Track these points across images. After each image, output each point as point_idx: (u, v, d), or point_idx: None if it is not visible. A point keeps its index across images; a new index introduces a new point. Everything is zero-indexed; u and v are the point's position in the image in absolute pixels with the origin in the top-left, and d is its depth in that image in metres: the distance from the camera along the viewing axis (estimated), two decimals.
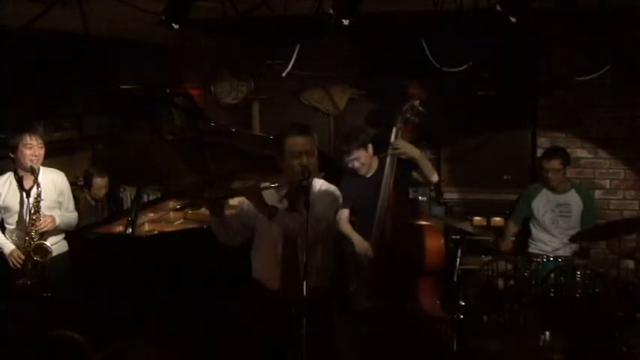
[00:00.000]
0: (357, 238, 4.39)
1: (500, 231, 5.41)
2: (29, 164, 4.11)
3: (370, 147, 4.46)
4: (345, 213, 4.45)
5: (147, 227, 4.98)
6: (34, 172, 4.10)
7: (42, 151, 4.18)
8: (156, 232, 4.85)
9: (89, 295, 4.31)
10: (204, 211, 4.15)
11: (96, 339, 2.91)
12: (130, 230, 4.47)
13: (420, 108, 4.33)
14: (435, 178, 4.52)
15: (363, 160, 4.42)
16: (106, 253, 4.44)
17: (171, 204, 5.48)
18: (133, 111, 6.01)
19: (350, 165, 4.45)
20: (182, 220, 5.20)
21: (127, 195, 6.19)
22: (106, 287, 4.29)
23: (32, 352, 2.92)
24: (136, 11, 3.61)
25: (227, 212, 3.41)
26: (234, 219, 3.42)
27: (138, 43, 5.92)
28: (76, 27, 3.68)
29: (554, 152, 5.02)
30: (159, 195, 5.75)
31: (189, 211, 5.15)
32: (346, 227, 4.47)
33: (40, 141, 4.17)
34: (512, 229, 5.16)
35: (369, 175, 4.49)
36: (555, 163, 4.89)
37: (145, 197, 5.63)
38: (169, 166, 5.33)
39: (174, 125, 5.27)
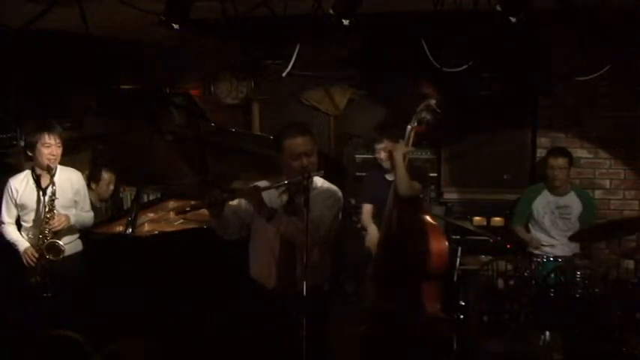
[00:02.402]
0: (371, 231, 4.47)
1: (499, 230, 5.42)
2: (46, 163, 4.13)
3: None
4: (367, 207, 4.64)
5: (147, 227, 4.98)
6: (51, 171, 4.12)
7: (60, 151, 4.20)
8: (156, 232, 4.84)
9: (89, 294, 4.31)
10: (204, 211, 4.14)
11: (96, 339, 2.92)
12: (130, 230, 4.48)
13: (435, 108, 4.30)
14: (403, 191, 4.30)
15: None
16: (106, 253, 4.44)
17: (172, 204, 5.48)
18: (133, 111, 6.00)
19: (377, 155, 4.57)
20: (182, 220, 5.19)
21: (127, 195, 6.18)
22: (105, 287, 4.29)
23: (32, 352, 2.92)
24: (136, 11, 3.61)
25: (225, 209, 3.39)
26: (233, 216, 3.41)
27: (138, 43, 5.91)
28: (76, 27, 3.68)
29: (561, 151, 5.06)
30: (159, 195, 5.74)
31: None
32: (367, 219, 4.60)
33: (58, 140, 4.19)
34: (523, 230, 5.16)
35: (392, 179, 4.47)
36: (562, 162, 4.92)
37: (145, 197, 5.63)
38: (169, 166, 5.32)
39: (174, 125, 5.26)
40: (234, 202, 3.45)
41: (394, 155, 4.33)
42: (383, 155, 4.53)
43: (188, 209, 3.31)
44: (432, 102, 4.31)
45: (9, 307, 4.30)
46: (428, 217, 4.47)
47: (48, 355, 2.85)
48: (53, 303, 4.13)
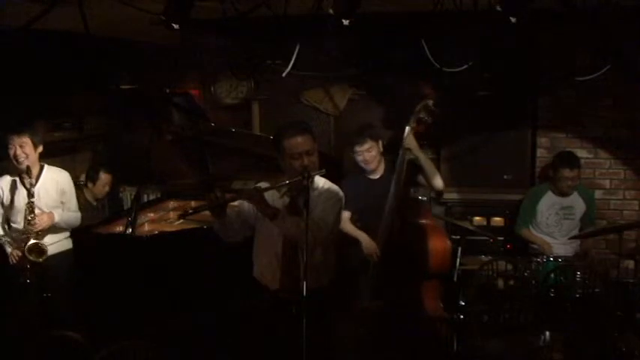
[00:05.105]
0: (364, 238, 4.33)
1: (498, 230, 5.42)
2: (16, 163, 4.17)
3: (380, 143, 4.42)
4: (346, 214, 4.38)
5: (147, 227, 4.98)
6: (29, 171, 4.13)
7: (30, 150, 4.20)
8: (156, 232, 4.84)
9: (89, 295, 4.31)
10: (206, 212, 4.15)
11: (96, 339, 2.92)
12: (130, 230, 4.48)
13: (433, 108, 4.29)
14: (439, 183, 4.40)
15: (374, 152, 4.35)
16: (106, 253, 4.44)
17: (172, 204, 5.48)
18: (133, 111, 6.00)
19: (360, 158, 4.38)
20: (182, 220, 5.19)
21: (127, 195, 6.18)
22: (105, 287, 4.29)
23: (32, 352, 2.93)
24: (136, 11, 3.60)
25: (228, 210, 3.40)
26: (236, 218, 3.41)
27: (138, 43, 5.91)
28: (76, 27, 3.67)
29: (573, 160, 5.02)
30: (159, 195, 5.75)
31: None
32: (350, 227, 4.41)
33: (26, 139, 4.19)
34: (532, 234, 5.15)
35: (376, 177, 4.44)
36: (576, 172, 4.93)
37: (145, 197, 5.63)
38: (169, 166, 5.33)
39: (175, 125, 5.27)
40: (237, 204, 3.45)
41: (419, 153, 4.28)
42: (367, 156, 4.36)
43: (191, 211, 3.30)
44: (430, 102, 4.29)
45: (7, 308, 4.31)
46: (428, 216, 4.48)
47: (48, 355, 2.85)
48: (47, 301, 4.16)
